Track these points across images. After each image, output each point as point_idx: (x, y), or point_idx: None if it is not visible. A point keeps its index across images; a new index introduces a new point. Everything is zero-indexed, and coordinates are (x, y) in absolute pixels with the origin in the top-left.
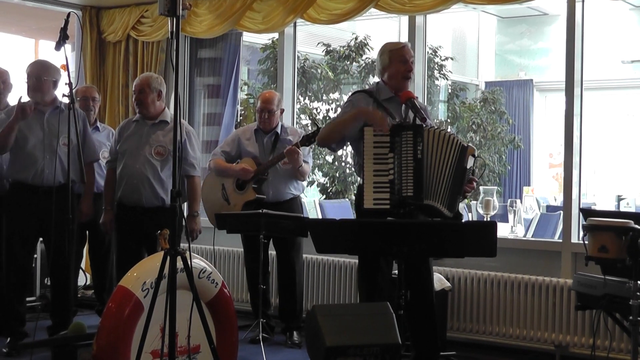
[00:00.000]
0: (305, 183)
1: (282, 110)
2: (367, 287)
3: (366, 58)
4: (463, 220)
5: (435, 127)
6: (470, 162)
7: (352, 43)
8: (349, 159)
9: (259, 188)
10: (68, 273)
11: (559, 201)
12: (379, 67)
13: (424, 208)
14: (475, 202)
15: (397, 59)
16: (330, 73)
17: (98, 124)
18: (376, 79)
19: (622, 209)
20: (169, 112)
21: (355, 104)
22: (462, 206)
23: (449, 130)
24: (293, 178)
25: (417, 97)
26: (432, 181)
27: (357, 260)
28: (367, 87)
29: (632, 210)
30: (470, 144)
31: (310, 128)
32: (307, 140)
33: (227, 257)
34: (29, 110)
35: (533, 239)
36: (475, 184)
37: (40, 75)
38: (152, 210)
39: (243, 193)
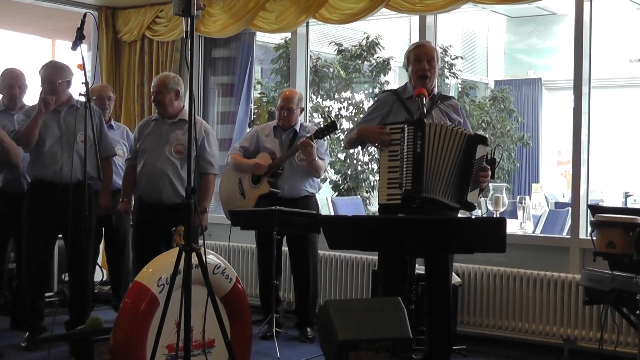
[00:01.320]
0: (321, 182)
1: (302, 109)
2: (386, 284)
3: (377, 57)
4: (474, 216)
5: (441, 123)
6: (480, 152)
7: (364, 42)
8: (361, 157)
9: (275, 183)
10: (85, 269)
11: (567, 198)
12: (404, 68)
13: (426, 201)
14: (485, 198)
15: (412, 58)
16: (342, 72)
17: (112, 122)
18: (386, 78)
19: (630, 205)
20: (186, 111)
21: (380, 102)
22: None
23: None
24: (309, 175)
25: (426, 94)
26: (434, 174)
27: (367, 256)
28: (377, 85)
29: (639, 206)
30: (480, 133)
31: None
32: (320, 133)
33: (241, 253)
34: (51, 102)
35: (542, 235)
36: (489, 172)
37: (54, 80)
38: (171, 207)
39: (257, 187)
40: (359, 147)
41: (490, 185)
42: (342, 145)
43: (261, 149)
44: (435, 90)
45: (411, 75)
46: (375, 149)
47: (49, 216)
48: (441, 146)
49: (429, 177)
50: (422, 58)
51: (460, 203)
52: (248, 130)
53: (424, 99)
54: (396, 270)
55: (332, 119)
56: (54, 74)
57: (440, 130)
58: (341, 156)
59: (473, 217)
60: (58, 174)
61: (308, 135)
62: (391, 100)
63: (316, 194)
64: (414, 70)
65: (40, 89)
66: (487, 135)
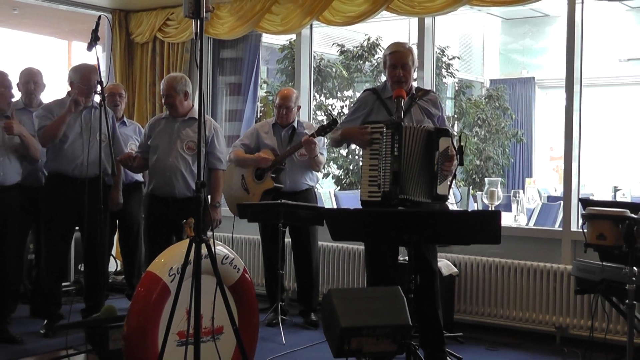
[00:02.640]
0: (320, 175)
1: (299, 107)
2: (373, 272)
3: (378, 58)
4: (469, 210)
5: (414, 125)
6: (443, 144)
7: (365, 43)
8: (362, 153)
9: (277, 178)
10: (101, 259)
11: (559, 192)
12: (382, 69)
13: (406, 201)
14: (480, 192)
15: (388, 64)
16: (344, 72)
17: (125, 119)
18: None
19: (619, 199)
20: (195, 110)
21: (361, 102)
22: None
23: (455, 124)
24: (309, 169)
25: (405, 96)
26: (408, 175)
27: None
28: (378, 84)
29: (628, 200)
30: (440, 127)
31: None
32: (322, 130)
33: (245, 245)
34: (81, 103)
35: (535, 227)
36: (456, 161)
37: (92, 83)
38: (183, 201)
39: (261, 182)
40: (345, 146)
41: (486, 179)
42: (330, 143)
43: (261, 145)
44: (414, 87)
45: (387, 77)
46: (359, 147)
47: (66, 209)
48: (411, 147)
49: (404, 179)
50: (396, 65)
51: (431, 197)
52: None
53: (402, 101)
54: (384, 259)
55: (334, 117)
56: (93, 78)
57: (414, 132)
58: (343, 152)
59: (469, 210)
60: (78, 169)
61: (310, 132)
62: (372, 99)
63: (315, 186)
64: (389, 75)
65: (73, 88)
66: (446, 128)
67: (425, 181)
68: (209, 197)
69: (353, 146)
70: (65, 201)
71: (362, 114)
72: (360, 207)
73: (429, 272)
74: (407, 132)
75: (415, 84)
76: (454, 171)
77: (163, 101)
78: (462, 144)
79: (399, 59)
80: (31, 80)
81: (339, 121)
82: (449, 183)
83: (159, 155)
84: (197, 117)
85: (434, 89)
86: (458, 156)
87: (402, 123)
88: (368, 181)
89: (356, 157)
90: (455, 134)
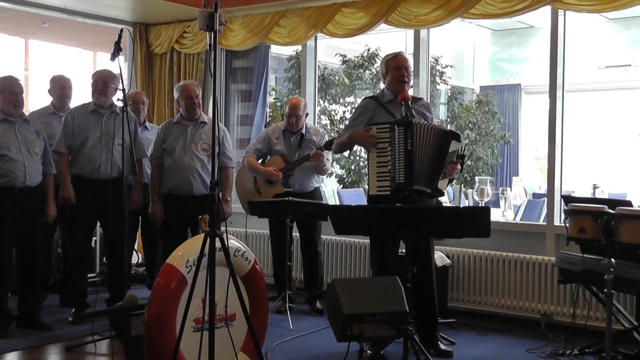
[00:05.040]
0: (324, 176)
1: (307, 114)
2: (377, 264)
3: (377, 67)
4: (461, 206)
5: (424, 122)
6: (453, 146)
7: (365, 54)
8: (362, 154)
9: (287, 182)
10: (123, 253)
11: (543, 189)
12: (381, 76)
13: (415, 192)
14: (471, 190)
15: (391, 66)
16: (346, 80)
17: (147, 123)
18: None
19: (598, 195)
20: (204, 114)
21: (364, 108)
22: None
23: (448, 127)
24: (315, 173)
25: (410, 98)
26: (420, 167)
27: (369, 241)
28: (377, 92)
29: (606, 197)
30: (454, 130)
31: (328, 127)
32: (329, 145)
33: (256, 239)
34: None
35: (521, 222)
36: (459, 166)
37: (108, 82)
38: (200, 198)
39: (273, 187)
40: (348, 150)
41: (476, 178)
42: (332, 151)
43: (272, 151)
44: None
45: (390, 81)
46: (364, 148)
47: (87, 208)
48: (423, 142)
49: (417, 171)
50: (400, 66)
51: (430, 188)
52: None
53: (409, 102)
54: (388, 251)
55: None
56: (108, 77)
57: (424, 128)
58: (346, 154)
59: (461, 206)
60: (96, 172)
61: (316, 137)
62: (373, 105)
63: (320, 186)
64: (393, 77)
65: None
66: (459, 132)
67: (430, 173)
68: (221, 193)
69: (355, 148)
70: (85, 201)
71: (365, 119)
72: (364, 203)
73: (428, 264)
74: (418, 128)
75: (411, 91)
76: (454, 175)
77: (189, 102)
78: (464, 153)
79: (402, 61)
80: (66, 86)
81: None
82: (447, 181)
83: (177, 157)
84: (206, 120)
85: (429, 95)
86: (460, 163)
87: (413, 121)
88: (376, 177)
89: (357, 157)
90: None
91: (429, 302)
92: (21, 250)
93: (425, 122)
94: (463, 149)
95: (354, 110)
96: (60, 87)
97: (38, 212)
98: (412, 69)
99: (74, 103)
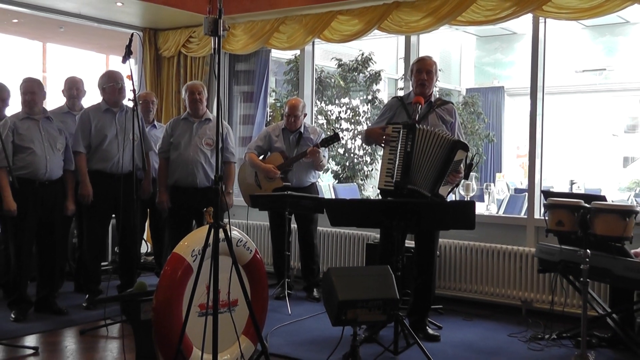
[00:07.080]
0: (321, 172)
1: (305, 114)
2: (381, 253)
3: (370, 70)
4: (447, 201)
5: (430, 129)
6: (459, 155)
7: (359, 58)
8: (356, 151)
9: (285, 177)
10: (133, 243)
11: (524, 185)
12: (409, 78)
13: (410, 191)
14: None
15: (415, 70)
16: (341, 82)
17: (155, 122)
18: (377, 87)
19: (575, 191)
20: (209, 112)
21: (388, 107)
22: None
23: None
24: (312, 169)
25: (423, 101)
26: (418, 169)
27: (362, 232)
28: (370, 93)
29: (582, 192)
30: (463, 141)
31: (325, 126)
32: (325, 142)
33: (257, 230)
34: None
35: (504, 215)
36: (461, 175)
37: (121, 83)
38: (203, 190)
39: (272, 181)
40: (367, 144)
41: None
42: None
43: (272, 148)
44: (434, 96)
45: (413, 84)
46: (378, 145)
47: (105, 201)
48: (427, 147)
49: (414, 172)
50: (422, 70)
51: (431, 193)
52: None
53: (419, 107)
54: (389, 245)
55: (336, 132)
56: (120, 77)
57: (428, 134)
58: (340, 150)
59: (448, 200)
60: (115, 166)
61: (314, 136)
62: (397, 104)
63: (317, 181)
64: (414, 79)
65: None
66: (466, 143)
67: (432, 178)
68: (224, 186)
69: (349, 145)
70: (103, 194)
71: (389, 116)
72: (357, 197)
73: (430, 254)
74: (420, 133)
75: (437, 94)
76: (456, 182)
77: (192, 99)
78: (472, 161)
79: (424, 65)
80: (74, 87)
81: (341, 135)
82: (449, 189)
83: (182, 151)
84: (210, 117)
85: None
86: (465, 171)
87: (416, 125)
88: (385, 173)
89: (351, 155)
90: (470, 153)
91: (427, 286)
92: (41, 240)
93: (432, 129)
94: (472, 157)
95: (350, 110)
96: (69, 87)
97: (58, 204)
98: (437, 74)
99: (89, 102)
